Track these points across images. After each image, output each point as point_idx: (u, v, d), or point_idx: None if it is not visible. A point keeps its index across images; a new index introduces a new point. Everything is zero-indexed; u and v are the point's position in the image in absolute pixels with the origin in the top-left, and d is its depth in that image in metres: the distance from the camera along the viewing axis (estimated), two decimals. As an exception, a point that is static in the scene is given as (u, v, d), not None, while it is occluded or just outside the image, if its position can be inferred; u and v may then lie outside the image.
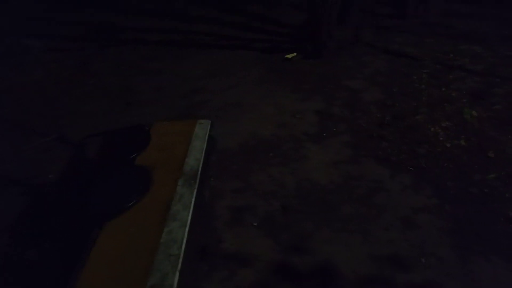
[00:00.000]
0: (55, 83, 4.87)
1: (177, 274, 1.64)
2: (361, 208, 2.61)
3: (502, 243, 2.27)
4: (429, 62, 4.65)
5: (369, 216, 2.54)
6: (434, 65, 4.58)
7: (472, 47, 5.06)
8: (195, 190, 2.11)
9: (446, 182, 2.75)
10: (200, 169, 2.29)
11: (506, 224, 2.38)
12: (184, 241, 1.79)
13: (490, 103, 3.69)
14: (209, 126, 2.66)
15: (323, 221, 2.54)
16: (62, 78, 5.00)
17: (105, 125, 3.69)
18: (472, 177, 2.78)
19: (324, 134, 3.43)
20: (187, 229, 1.85)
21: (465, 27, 5.86)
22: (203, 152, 2.41)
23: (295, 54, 5.16)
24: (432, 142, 3.17)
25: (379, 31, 5.87)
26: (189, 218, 1.92)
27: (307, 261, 2.28)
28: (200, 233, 2.47)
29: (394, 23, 6.23)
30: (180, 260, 1.70)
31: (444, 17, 6.33)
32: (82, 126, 3.80)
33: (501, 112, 3.52)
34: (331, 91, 4.22)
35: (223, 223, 2.59)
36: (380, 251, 2.30)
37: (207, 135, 2.57)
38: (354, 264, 2.25)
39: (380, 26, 6.07)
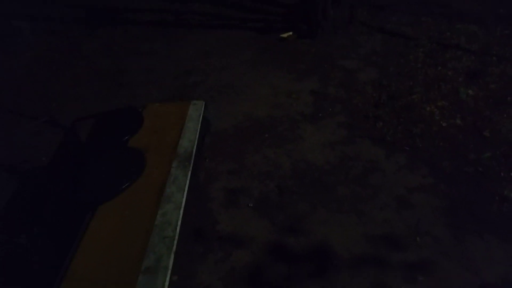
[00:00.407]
0: (45, 66, 4.77)
1: (172, 256, 1.63)
2: (356, 189, 2.61)
3: (496, 222, 2.28)
4: (425, 41, 4.59)
5: (365, 196, 2.54)
6: (430, 44, 4.52)
7: (468, 26, 4.99)
8: (189, 172, 2.08)
9: (442, 162, 2.75)
10: (194, 150, 2.25)
11: (500, 203, 2.39)
12: (179, 223, 1.77)
13: (486, 82, 3.66)
14: (203, 108, 2.60)
15: (319, 202, 2.54)
16: (53, 61, 4.89)
17: (96, 108, 3.63)
18: (467, 156, 2.77)
19: (320, 115, 3.40)
20: (181, 211, 1.83)
21: (462, 6, 5.76)
22: (197, 134, 2.37)
23: (290, 33, 5.07)
24: (428, 122, 3.15)
25: (375, 10, 5.76)
26: (184, 200, 1.90)
27: (302, 241, 2.28)
28: (195, 215, 2.46)
29: (390, 1, 6.11)
30: (175, 242, 1.69)
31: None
32: (73, 109, 3.74)
33: (496, 91, 3.50)
34: (326, 71, 4.17)
35: (218, 205, 2.58)
36: (375, 231, 2.31)
37: (201, 117, 2.52)
38: (349, 244, 2.26)
39: (376, 5, 5.96)
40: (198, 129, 2.40)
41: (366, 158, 2.85)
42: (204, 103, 2.66)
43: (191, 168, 2.10)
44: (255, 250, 2.24)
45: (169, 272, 1.56)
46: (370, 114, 3.30)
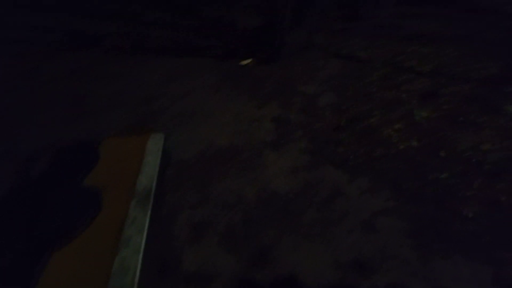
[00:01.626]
0: (5, 92, 4.54)
1: (132, 306, 1.53)
2: (322, 215, 2.61)
3: (461, 241, 2.34)
4: (379, 65, 4.77)
5: (330, 222, 2.54)
6: (384, 68, 4.70)
7: (420, 48, 5.25)
8: (149, 211, 2.00)
9: (402, 184, 2.81)
10: (154, 187, 2.18)
11: (463, 222, 2.46)
12: (138, 268, 1.68)
13: (438, 103, 3.83)
14: (162, 140, 2.54)
15: (286, 230, 2.51)
16: (13, 86, 4.67)
17: (55, 137, 3.47)
18: (426, 177, 2.85)
19: (282, 141, 3.41)
20: (141, 255, 1.74)
21: (413, 28, 6.08)
22: (157, 168, 2.30)
23: (250, 60, 5.13)
24: (386, 145, 3.23)
25: (332, 34, 5.97)
26: (143, 243, 1.80)
27: (271, 274, 2.23)
28: (158, 255, 2.36)
29: (347, 25, 6.36)
30: (135, 289, 1.59)
31: (393, 19, 6.54)
32: (32, 138, 3.55)
33: (449, 112, 3.66)
34: (287, 97, 4.22)
35: (182, 242, 2.49)
36: (343, 257, 2.30)
37: (160, 150, 2.46)
38: (318, 273, 2.23)
39: (333, 29, 6.18)
40: (158, 164, 2.32)
41: (329, 183, 2.87)
42: (163, 135, 2.59)
43: (151, 206, 2.02)
44: (222, 288, 2.16)
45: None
46: (331, 139, 3.35)
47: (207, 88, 4.46)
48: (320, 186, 2.86)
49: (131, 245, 1.79)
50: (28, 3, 7.76)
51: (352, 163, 3.05)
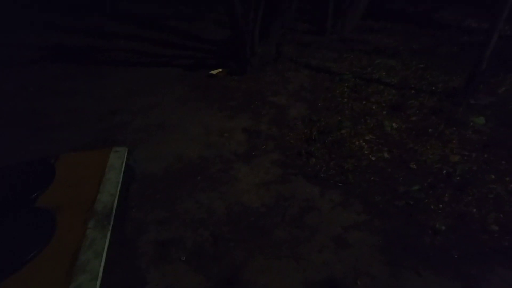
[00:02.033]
0: None
1: None
2: (293, 231, 2.52)
3: (430, 256, 2.30)
4: (349, 76, 4.80)
5: (302, 239, 2.46)
6: (354, 79, 4.74)
7: (387, 61, 5.34)
8: (109, 233, 1.85)
9: (374, 196, 2.78)
10: (115, 205, 2.02)
11: (433, 235, 2.43)
12: (95, 297, 1.52)
13: (407, 114, 3.87)
14: (125, 154, 2.38)
15: (256, 248, 2.40)
16: None
17: (12, 156, 3.21)
18: (397, 190, 2.83)
19: (253, 153, 3.32)
20: (98, 282, 1.59)
21: (378, 42, 6.22)
22: (119, 186, 2.14)
23: (220, 70, 5.05)
24: (358, 156, 3.21)
25: (301, 47, 6.00)
26: (101, 268, 1.65)
27: (241, 296, 2.11)
28: (120, 276, 2.19)
29: (314, 39, 6.43)
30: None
31: (358, 33, 6.68)
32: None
33: (417, 123, 3.70)
34: (257, 107, 4.15)
35: (147, 261, 2.32)
36: (315, 276, 2.21)
37: (123, 165, 2.30)
38: (289, 293, 2.13)
39: (301, 42, 6.23)
40: (120, 180, 2.17)
41: (301, 197, 2.80)
42: (127, 149, 2.43)
43: (111, 227, 1.87)
44: (189, 312, 2.02)
45: None
46: (303, 151, 3.29)
47: (175, 100, 4.33)
48: (292, 200, 2.78)
49: (88, 270, 1.63)
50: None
51: (324, 175, 3.00)
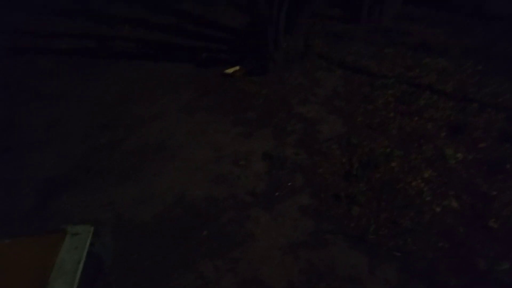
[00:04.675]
0: None
1: None
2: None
3: None
4: (392, 80, 3.93)
5: None
6: (399, 85, 3.87)
7: (436, 59, 4.42)
8: None
9: (445, 277, 2.00)
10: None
11: None
12: None
13: (472, 139, 3.03)
14: (89, 239, 1.59)
15: None
16: None
17: None
18: (477, 266, 2.05)
19: (277, 194, 2.56)
20: None
21: (423, 34, 5.24)
22: (76, 283, 1.40)
23: (237, 68, 4.21)
24: (417, 205, 2.41)
25: (332, 39, 5.08)
26: None
27: None
28: None
29: (347, 28, 5.47)
30: None
31: (398, 22, 5.68)
32: None
33: (487, 153, 2.87)
34: (281, 121, 3.36)
35: None
36: None
37: (82, 261, 1.50)
38: None
39: (332, 32, 5.29)
40: (77, 277, 1.42)
41: (342, 273, 2.04)
42: (92, 229, 1.64)
43: None
44: None
45: None
46: (342, 193, 2.52)
47: (180, 109, 3.53)
48: (329, 278, 2.02)
49: None
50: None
51: (373, 236, 2.22)
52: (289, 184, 2.63)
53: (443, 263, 2.06)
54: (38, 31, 5.15)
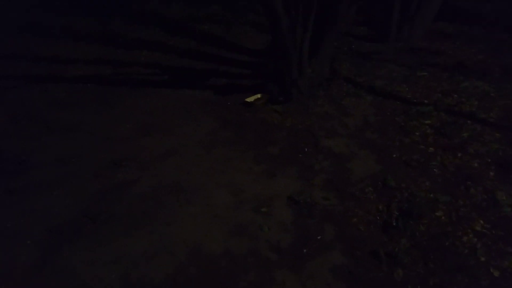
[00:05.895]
0: None
1: None
2: None
3: None
4: (430, 107, 3.58)
5: None
6: (437, 113, 3.52)
7: (476, 83, 4.04)
8: None
9: None
10: None
11: None
12: None
13: (528, 179, 2.64)
14: None
15: None
16: None
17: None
18: None
19: (305, 250, 2.24)
20: None
21: (459, 53, 4.86)
22: None
23: (258, 96, 3.93)
24: (471, 269, 2.05)
25: (359, 60, 4.77)
26: None
27: None
28: None
29: (375, 48, 5.15)
30: None
31: (430, 40, 5.31)
32: None
33: (548, 198, 2.47)
34: (307, 157, 3.06)
35: None
36: None
37: None
38: None
39: (358, 52, 4.98)
40: None
41: None
42: None
43: None
44: None
45: None
46: (381, 251, 2.18)
47: (198, 143, 3.27)
48: None
49: None
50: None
51: (422, 309, 1.88)
52: (318, 237, 2.31)
53: None
54: (53, 57, 5.03)
